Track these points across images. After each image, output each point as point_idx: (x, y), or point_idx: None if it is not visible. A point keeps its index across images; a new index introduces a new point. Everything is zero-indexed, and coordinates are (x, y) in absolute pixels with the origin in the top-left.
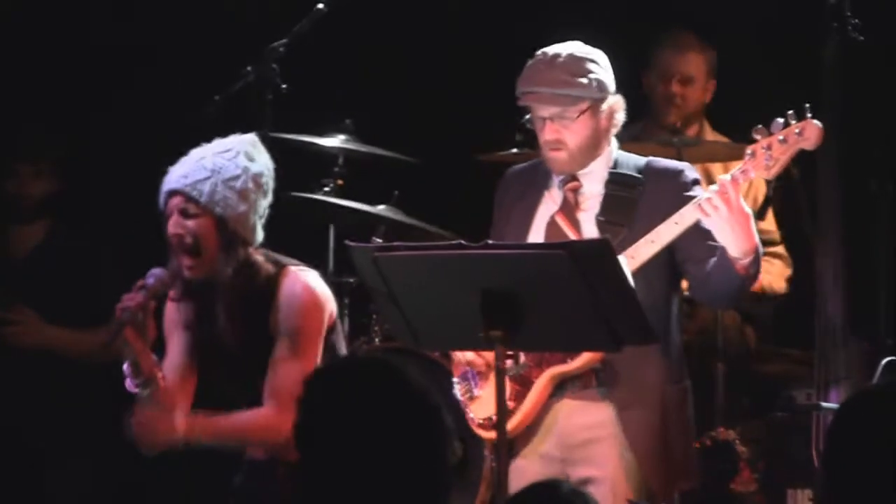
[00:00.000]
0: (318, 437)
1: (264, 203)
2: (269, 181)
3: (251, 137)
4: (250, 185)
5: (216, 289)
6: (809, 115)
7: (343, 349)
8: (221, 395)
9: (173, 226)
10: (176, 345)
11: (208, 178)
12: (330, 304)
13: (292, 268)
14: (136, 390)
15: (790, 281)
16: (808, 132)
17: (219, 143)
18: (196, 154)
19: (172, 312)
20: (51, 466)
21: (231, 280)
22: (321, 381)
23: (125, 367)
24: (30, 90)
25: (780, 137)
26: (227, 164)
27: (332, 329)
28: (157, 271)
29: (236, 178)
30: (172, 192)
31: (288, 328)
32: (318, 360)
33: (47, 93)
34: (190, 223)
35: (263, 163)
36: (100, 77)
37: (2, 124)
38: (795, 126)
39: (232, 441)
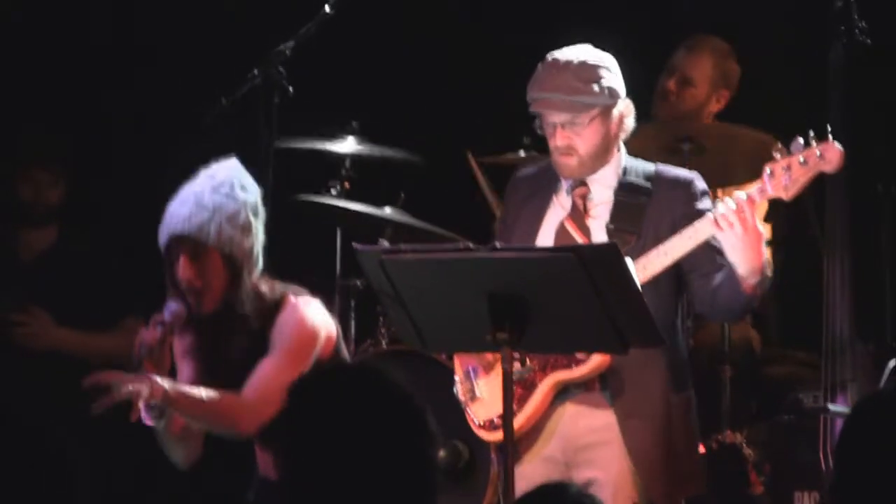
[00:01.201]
0: (302, 441)
1: (261, 227)
2: (260, 205)
3: (234, 164)
4: (250, 217)
5: (232, 320)
6: (831, 137)
7: None
8: None
9: (183, 270)
10: (186, 368)
11: (211, 218)
12: (325, 332)
13: (292, 297)
14: (151, 422)
15: (796, 287)
16: (829, 154)
17: (209, 178)
18: (192, 193)
19: (178, 342)
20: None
21: (248, 311)
22: (305, 387)
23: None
24: (33, 94)
25: (801, 159)
26: (225, 201)
27: (332, 357)
28: (173, 306)
29: (237, 213)
30: (177, 236)
31: (274, 344)
32: (296, 371)
33: (51, 97)
34: (199, 265)
35: (253, 188)
36: (104, 81)
37: (9, 130)
38: (816, 148)
39: (198, 413)
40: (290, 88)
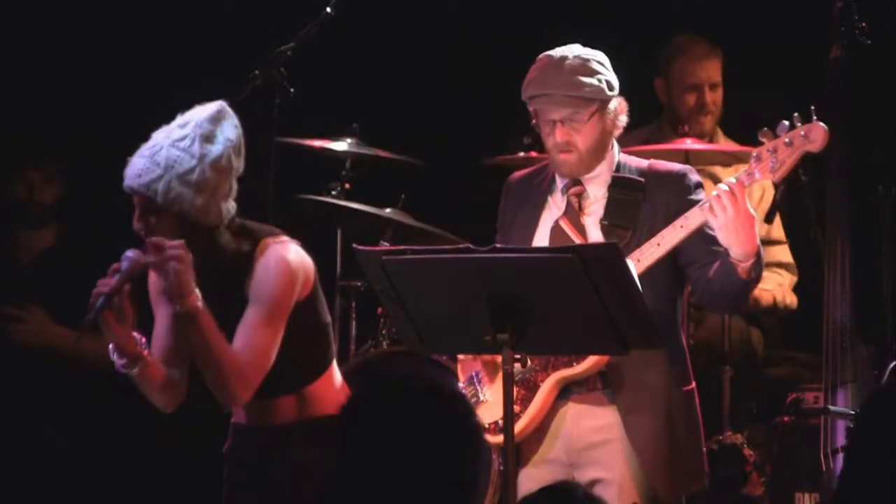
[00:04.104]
0: (361, 453)
1: (229, 181)
2: (230, 158)
3: (213, 111)
4: (208, 173)
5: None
6: (815, 117)
7: (326, 316)
8: None
9: (136, 221)
10: (162, 313)
11: (161, 175)
12: (303, 273)
13: (270, 240)
14: (124, 370)
15: (797, 288)
16: (813, 135)
17: (176, 128)
18: (153, 144)
19: (155, 282)
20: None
21: (198, 267)
22: (368, 399)
23: (110, 349)
24: (33, 95)
25: (786, 140)
26: (181, 156)
27: (311, 297)
28: (130, 253)
29: (191, 170)
30: (130, 189)
31: (256, 296)
32: (281, 329)
33: (51, 97)
34: (151, 219)
35: (224, 139)
36: (104, 81)
37: (8, 129)
38: (801, 129)
39: (212, 354)
40: (291, 89)
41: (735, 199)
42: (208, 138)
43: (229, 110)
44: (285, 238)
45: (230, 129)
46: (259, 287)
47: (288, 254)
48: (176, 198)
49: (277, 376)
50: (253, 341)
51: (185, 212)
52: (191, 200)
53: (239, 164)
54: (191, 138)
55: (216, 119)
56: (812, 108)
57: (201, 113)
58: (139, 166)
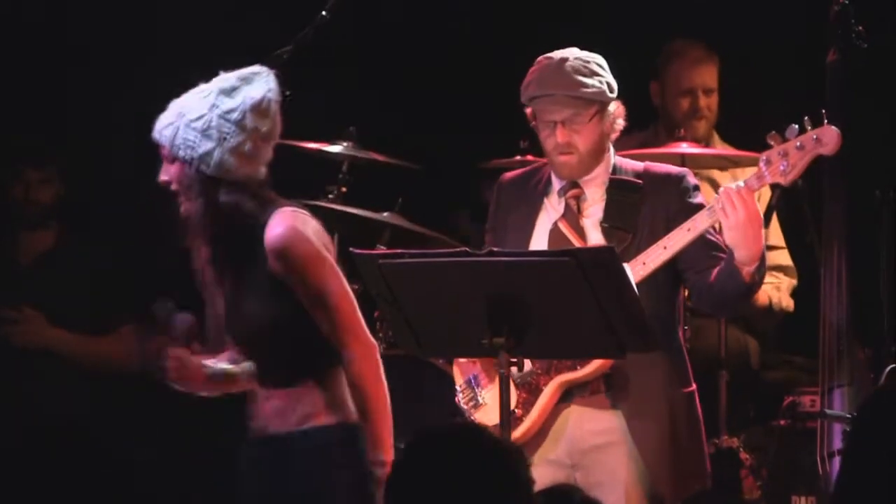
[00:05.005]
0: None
1: (244, 136)
2: (246, 114)
3: (249, 70)
4: (215, 122)
5: (218, 237)
6: (826, 120)
7: None
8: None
9: (161, 173)
10: (217, 303)
11: (172, 122)
12: (315, 233)
13: (286, 208)
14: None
15: (795, 292)
16: (826, 138)
17: (211, 83)
18: (183, 97)
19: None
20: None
21: (201, 221)
22: (421, 451)
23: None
24: (33, 95)
25: (798, 144)
26: (196, 105)
27: None
28: (182, 317)
29: (200, 117)
30: (154, 140)
31: (295, 278)
32: (340, 283)
33: (51, 97)
34: (171, 169)
35: (246, 95)
36: (102, 82)
37: (7, 129)
38: (813, 132)
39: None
40: (287, 92)
41: (745, 199)
42: (228, 92)
43: (270, 75)
44: (297, 208)
45: (258, 90)
46: (289, 268)
47: (294, 220)
48: (182, 143)
49: (282, 359)
50: (334, 319)
51: (189, 158)
52: (195, 146)
53: (261, 125)
54: (209, 90)
55: (247, 77)
56: (823, 111)
57: (237, 72)
58: (162, 116)
